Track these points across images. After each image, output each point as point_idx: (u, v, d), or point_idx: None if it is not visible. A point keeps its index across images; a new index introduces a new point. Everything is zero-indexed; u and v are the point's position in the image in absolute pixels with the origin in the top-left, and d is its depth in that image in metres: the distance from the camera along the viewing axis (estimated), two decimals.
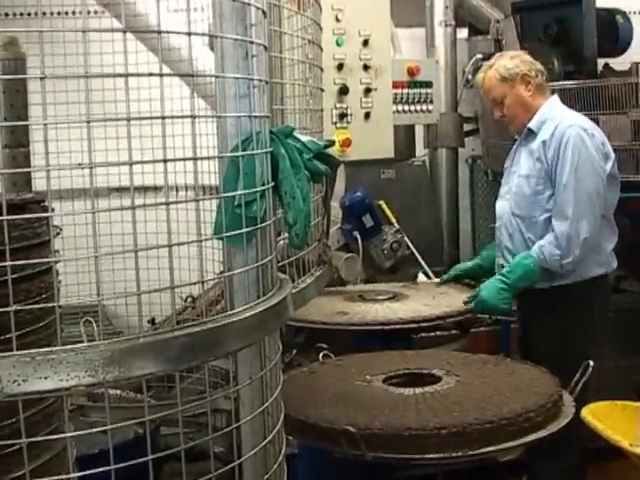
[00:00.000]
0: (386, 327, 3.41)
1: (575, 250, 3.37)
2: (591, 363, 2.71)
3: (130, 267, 1.49)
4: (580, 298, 3.47)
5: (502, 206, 3.67)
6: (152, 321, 3.91)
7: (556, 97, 3.68)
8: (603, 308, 3.64)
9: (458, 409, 2.46)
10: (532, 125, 3.55)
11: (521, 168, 3.58)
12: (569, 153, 3.39)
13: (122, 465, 1.47)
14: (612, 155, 3.51)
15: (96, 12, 4.11)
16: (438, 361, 2.93)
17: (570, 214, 3.36)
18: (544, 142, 3.46)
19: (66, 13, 4.09)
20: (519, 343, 3.75)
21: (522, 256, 3.44)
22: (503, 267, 3.57)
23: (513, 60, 3.60)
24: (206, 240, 1.64)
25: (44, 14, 3.18)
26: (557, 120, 3.50)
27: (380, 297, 3.90)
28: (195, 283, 1.61)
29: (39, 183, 2.65)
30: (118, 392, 3.75)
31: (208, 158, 1.75)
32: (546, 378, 2.75)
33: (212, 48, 1.78)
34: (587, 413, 2.83)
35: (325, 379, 2.84)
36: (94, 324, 3.23)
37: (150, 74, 1.47)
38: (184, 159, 1.57)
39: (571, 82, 4.61)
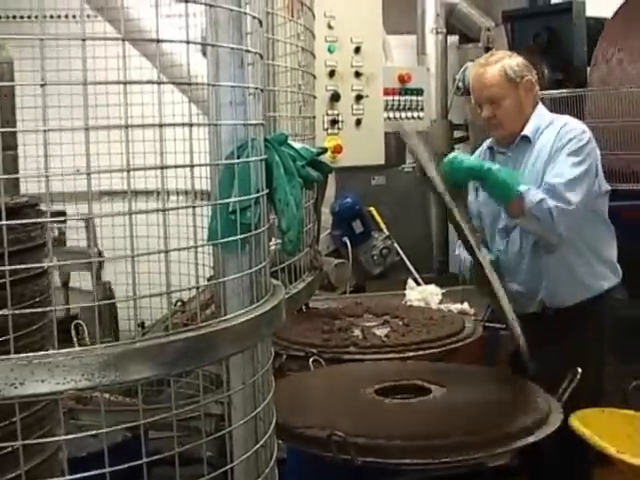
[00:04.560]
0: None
1: (567, 198, 3.15)
2: (579, 370, 2.72)
3: (120, 271, 1.50)
4: (592, 314, 3.33)
5: (514, 237, 3.42)
6: (142, 325, 3.91)
7: (541, 105, 3.51)
8: (612, 321, 3.48)
9: (447, 417, 2.48)
10: (528, 132, 3.37)
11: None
12: (575, 140, 3.25)
13: (109, 470, 1.47)
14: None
15: (89, 16, 4.11)
16: (428, 372, 2.94)
17: (568, 175, 3.18)
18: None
19: (59, 16, 4.10)
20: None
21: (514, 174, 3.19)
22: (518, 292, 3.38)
23: (519, 63, 3.40)
24: (202, 246, 1.65)
25: (36, 17, 3.17)
26: (559, 123, 3.36)
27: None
28: (190, 288, 1.63)
29: (28, 186, 2.66)
30: (107, 396, 3.75)
31: (204, 165, 1.76)
32: (534, 386, 2.77)
33: (204, 54, 1.79)
34: (575, 420, 2.85)
35: (315, 385, 2.84)
36: (84, 327, 3.23)
37: (148, 81, 1.48)
38: (182, 166, 1.58)
39: (560, 90, 4.66)
